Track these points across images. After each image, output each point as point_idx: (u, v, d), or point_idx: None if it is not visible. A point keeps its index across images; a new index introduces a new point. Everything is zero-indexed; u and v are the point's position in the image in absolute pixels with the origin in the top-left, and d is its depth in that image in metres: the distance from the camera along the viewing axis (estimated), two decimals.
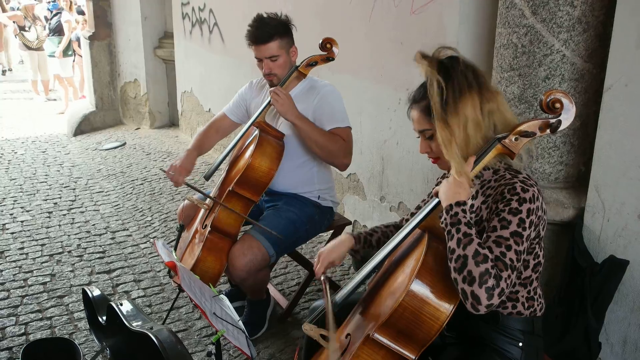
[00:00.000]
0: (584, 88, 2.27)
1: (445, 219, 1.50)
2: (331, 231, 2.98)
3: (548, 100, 1.48)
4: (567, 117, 1.50)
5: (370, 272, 1.69)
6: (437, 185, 1.92)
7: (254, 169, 2.56)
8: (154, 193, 5.00)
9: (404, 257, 1.67)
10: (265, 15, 2.62)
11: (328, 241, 2.97)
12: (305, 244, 3.61)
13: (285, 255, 3.02)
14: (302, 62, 2.65)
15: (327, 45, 2.63)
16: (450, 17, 2.81)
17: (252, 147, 2.59)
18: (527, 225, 1.49)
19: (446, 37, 2.84)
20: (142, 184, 5.26)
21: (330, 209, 2.87)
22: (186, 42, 6.29)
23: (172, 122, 7.24)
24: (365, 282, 1.73)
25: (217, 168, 2.74)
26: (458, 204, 1.50)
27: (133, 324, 1.94)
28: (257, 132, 2.62)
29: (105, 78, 7.50)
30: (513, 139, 1.54)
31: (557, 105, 1.48)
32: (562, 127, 1.50)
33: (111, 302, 2.09)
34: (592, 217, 2.17)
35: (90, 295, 2.23)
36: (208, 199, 2.69)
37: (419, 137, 1.70)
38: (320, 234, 3.01)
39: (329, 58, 2.65)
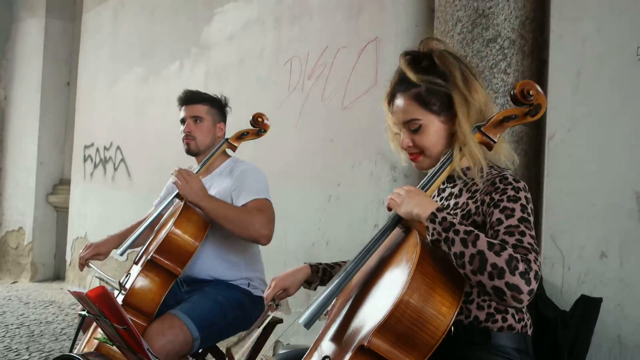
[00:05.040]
0: (524, 150, 2.35)
1: (434, 229, 1.35)
2: (260, 328, 2.66)
3: (521, 89, 1.48)
4: (543, 103, 1.50)
5: (339, 285, 1.48)
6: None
7: (178, 236, 2.30)
8: (32, 335, 4.34)
9: (384, 262, 1.49)
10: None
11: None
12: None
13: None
14: (232, 135, 2.60)
15: (258, 119, 2.60)
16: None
17: (175, 215, 2.36)
18: (529, 211, 1.41)
19: (379, 126, 2.90)
20: (18, 327, 4.57)
21: (261, 299, 2.58)
22: (85, 185, 6.06)
23: (57, 275, 6.62)
24: (332, 299, 1.50)
25: (132, 242, 2.45)
26: (439, 209, 1.38)
27: None
28: (181, 202, 2.42)
29: None
30: (492, 127, 1.51)
31: (532, 92, 1.48)
32: (541, 113, 1.49)
33: None
34: (551, 269, 2.11)
35: None
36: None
37: (398, 132, 1.61)
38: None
39: (261, 130, 2.61)
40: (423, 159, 1.59)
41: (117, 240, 2.61)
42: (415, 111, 1.54)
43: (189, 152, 2.61)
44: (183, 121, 2.61)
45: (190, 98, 2.62)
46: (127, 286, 2.26)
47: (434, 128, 1.55)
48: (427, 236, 1.37)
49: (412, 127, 1.55)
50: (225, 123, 2.69)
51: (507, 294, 1.24)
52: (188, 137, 2.58)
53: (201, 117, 2.58)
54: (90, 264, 2.45)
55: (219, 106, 2.67)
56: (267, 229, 2.37)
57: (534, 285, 1.25)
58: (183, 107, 2.62)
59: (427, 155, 1.57)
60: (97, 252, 2.51)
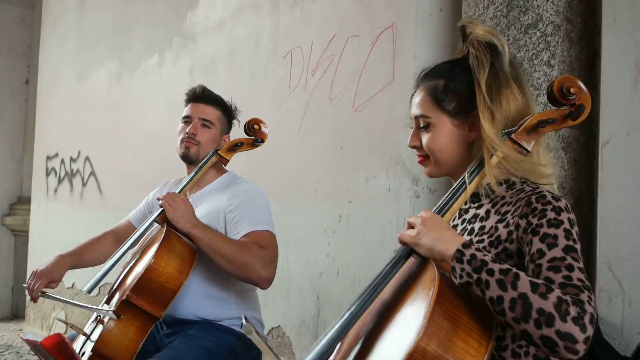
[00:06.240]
0: (572, 159, 2.35)
1: (462, 270, 1.35)
2: None
3: (560, 86, 1.49)
4: (587, 103, 1.51)
5: (343, 329, 1.49)
6: None
7: (158, 272, 2.32)
8: None
9: (398, 297, 1.49)
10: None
11: None
12: None
13: None
14: (223, 146, 2.63)
15: (254, 126, 2.63)
16: (403, 104, 2.93)
17: (155, 245, 2.38)
18: (575, 237, 1.40)
19: (398, 130, 2.92)
20: None
21: None
22: (48, 204, 6.14)
23: (15, 314, 6.75)
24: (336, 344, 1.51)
25: (102, 278, 2.47)
26: (466, 245, 1.38)
27: None
28: (162, 228, 2.44)
29: None
30: (525, 133, 1.52)
31: (573, 90, 1.49)
32: (584, 115, 1.50)
33: None
34: (608, 305, 2.10)
35: None
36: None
37: (412, 127, 1.67)
38: None
39: (258, 140, 2.63)
40: (429, 165, 1.66)
41: (68, 261, 2.66)
42: (428, 108, 1.62)
43: (186, 157, 2.61)
44: (187, 120, 2.62)
45: (204, 96, 2.65)
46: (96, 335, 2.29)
47: (445, 130, 1.60)
48: (455, 279, 1.37)
49: (421, 124, 1.63)
50: (228, 134, 2.74)
51: (559, 344, 1.23)
52: (190, 140, 2.58)
53: (212, 122, 2.62)
54: (45, 292, 2.50)
55: (229, 117, 2.72)
56: (269, 270, 2.40)
57: (590, 331, 1.25)
58: (191, 104, 2.65)
59: (432, 161, 1.64)
60: (50, 279, 2.53)
